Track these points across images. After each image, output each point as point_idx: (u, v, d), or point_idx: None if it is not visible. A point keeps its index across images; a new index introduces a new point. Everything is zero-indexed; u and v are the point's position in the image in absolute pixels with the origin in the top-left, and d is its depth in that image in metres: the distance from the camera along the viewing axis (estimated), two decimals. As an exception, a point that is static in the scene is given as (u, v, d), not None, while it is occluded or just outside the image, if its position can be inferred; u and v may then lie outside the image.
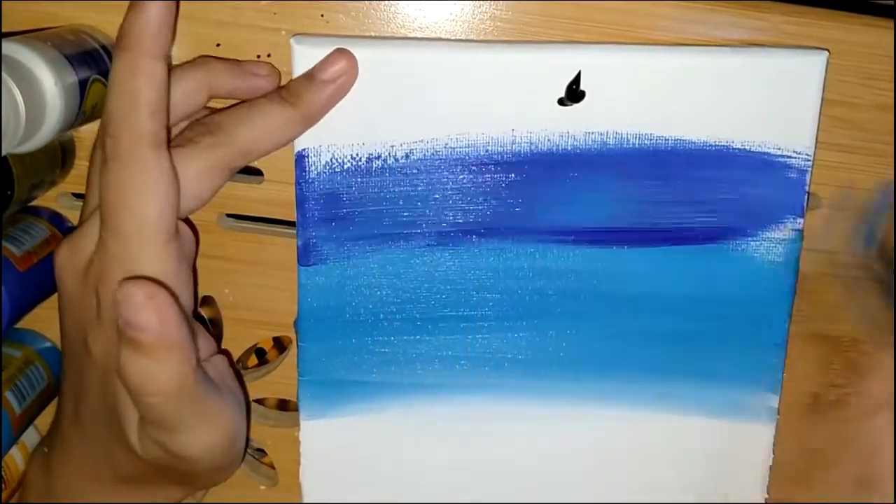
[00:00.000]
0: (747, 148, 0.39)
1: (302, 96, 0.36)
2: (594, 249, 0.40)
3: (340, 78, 0.37)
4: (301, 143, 0.38)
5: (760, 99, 0.38)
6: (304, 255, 0.40)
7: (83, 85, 0.35)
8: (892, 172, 0.41)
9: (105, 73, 0.37)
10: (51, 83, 0.33)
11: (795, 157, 0.39)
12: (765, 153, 0.39)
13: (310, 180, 0.39)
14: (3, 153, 0.32)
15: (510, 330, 0.41)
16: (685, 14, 0.38)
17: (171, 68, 0.34)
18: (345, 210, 0.39)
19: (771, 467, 0.44)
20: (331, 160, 0.39)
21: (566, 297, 0.41)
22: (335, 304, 0.41)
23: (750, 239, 0.40)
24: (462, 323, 0.41)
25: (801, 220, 0.40)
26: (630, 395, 0.42)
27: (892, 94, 0.40)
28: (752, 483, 0.44)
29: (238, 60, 0.38)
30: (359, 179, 0.39)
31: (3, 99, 0.31)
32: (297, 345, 0.41)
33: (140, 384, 0.32)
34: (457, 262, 0.40)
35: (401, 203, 0.39)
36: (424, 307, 0.41)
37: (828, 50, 0.38)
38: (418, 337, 0.41)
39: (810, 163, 0.39)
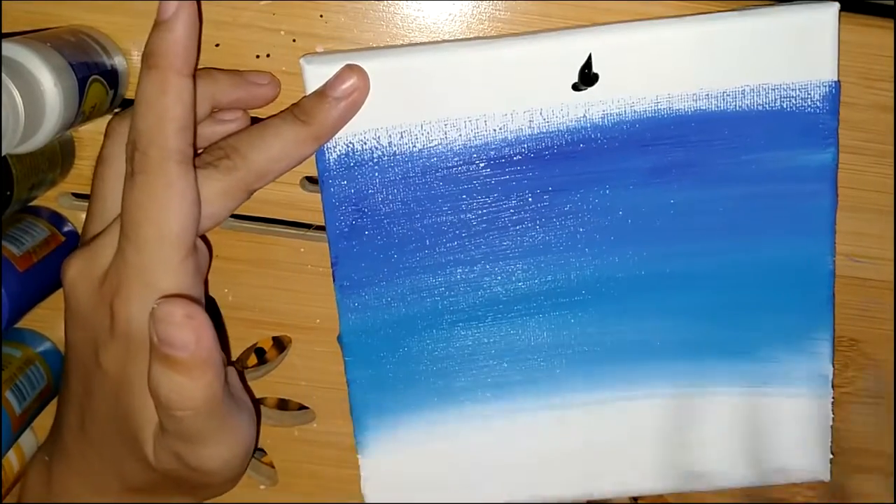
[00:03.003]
0: (767, 108, 0.39)
1: (314, 115, 0.36)
2: (627, 230, 0.40)
3: (352, 94, 0.37)
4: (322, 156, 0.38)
5: (775, 59, 0.38)
6: (340, 273, 0.40)
7: (82, 85, 0.35)
8: (892, 172, 0.41)
9: (104, 74, 0.37)
10: (50, 84, 0.33)
11: (820, 110, 0.39)
12: (787, 111, 0.39)
13: (334, 197, 0.39)
14: (3, 154, 0.32)
15: (555, 318, 0.41)
16: (683, 13, 0.38)
17: None
18: (372, 222, 0.39)
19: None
20: (353, 175, 0.39)
21: (605, 281, 0.41)
22: (377, 317, 0.41)
23: (780, 199, 0.40)
24: (506, 317, 0.41)
25: (833, 169, 0.40)
26: (680, 374, 0.42)
27: (892, 94, 0.40)
28: (815, 459, 0.43)
29: (239, 71, 0.38)
30: (382, 190, 0.39)
31: (2, 100, 0.31)
32: (344, 360, 0.41)
33: (172, 399, 0.32)
34: (492, 256, 0.40)
35: (426, 207, 0.39)
36: (465, 307, 0.41)
37: (839, 1, 0.38)
38: (464, 334, 0.41)
39: (836, 111, 0.39)
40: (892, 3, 0.44)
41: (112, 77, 0.38)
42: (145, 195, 0.32)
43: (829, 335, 0.42)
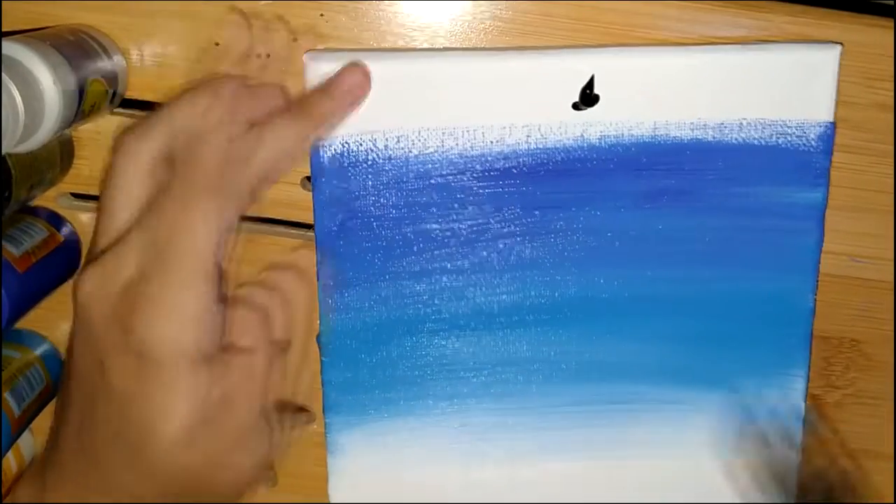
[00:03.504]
0: (762, 143, 0.39)
1: (315, 111, 0.36)
2: (614, 252, 0.40)
3: (354, 91, 0.37)
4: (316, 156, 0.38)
5: (775, 95, 0.38)
6: (325, 272, 0.40)
7: (82, 84, 0.35)
8: (892, 172, 0.41)
9: (103, 73, 0.37)
10: (49, 83, 0.33)
11: (814, 150, 0.39)
12: (782, 147, 0.39)
13: (325, 195, 0.39)
14: (3, 153, 0.32)
15: (536, 333, 0.41)
16: (686, 14, 0.38)
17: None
18: (361, 223, 0.39)
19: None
20: (346, 175, 0.39)
21: (589, 301, 0.41)
22: (358, 319, 0.41)
23: (767, 233, 0.40)
24: (487, 328, 0.41)
25: (822, 208, 0.40)
26: (655, 397, 0.42)
27: (892, 93, 0.40)
28: (784, 488, 0.43)
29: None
30: (374, 193, 0.39)
31: (2, 99, 0.31)
32: (321, 360, 0.41)
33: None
34: (478, 267, 0.40)
35: (417, 213, 0.39)
36: (447, 316, 0.41)
37: (841, 44, 0.38)
38: (444, 343, 0.41)
39: (830, 151, 0.39)
40: (892, 3, 0.44)
41: (111, 76, 0.38)
42: (181, 212, 0.32)
43: (804, 372, 0.42)
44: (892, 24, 0.40)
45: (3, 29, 0.38)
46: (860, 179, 0.41)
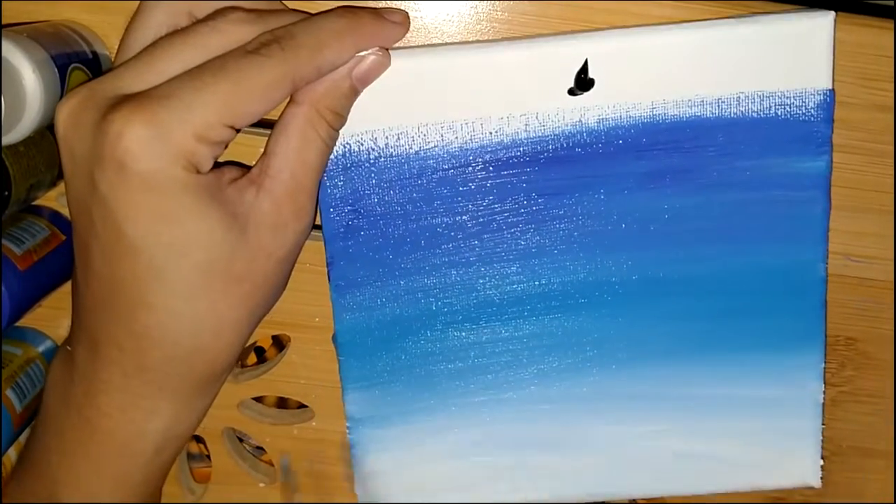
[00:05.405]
0: (762, 116, 0.39)
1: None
2: (621, 234, 0.40)
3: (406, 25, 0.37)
4: None
5: (771, 67, 0.38)
6: (336, 273, 0.40)
7: (63, 73, 0.35)
8: (891, 172, 0.41)
9: (84, 62, 0.37)
10: (29, 72, 0.33)
11: (815, 119, 0.39)
12: (781, 119, 0.39)
13: (330, 197, 0.39)
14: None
15: (548, 321, 0.41)
16: (680, 14, 0.38)
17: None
18: (367, 223, 0.39)
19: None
20: (349, 176, 0.39)
21: (599, 285, 0.41)
22: (372, 317, 0.41)
23: (774, 205, 0.40)
24: (499, 319, 0.41)
25: (827, 177, 0.40)
26: (671, 378, 0.42)
27: (891, 94, 0.40)
28: (805, 463, 0.43)
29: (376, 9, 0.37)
30: (378, 191, 0.39)
31: None
32: (338, 359, 0.41)
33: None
34: (486, 258, 0.40)
35: (422, 208, 0.39)
36: (460, 309, 0.41)
37: (835, 10, 0.38)
38: (461, 334, 0.41)
39: (831, 119, 0.39)
40: (891, 3, 0.44)
41: (94, 65, 0.38)
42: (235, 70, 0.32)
43: (820, 340, 0.42)
44: (891, 24, 0.39)
45: None
46: (856, 179, 0.41)
